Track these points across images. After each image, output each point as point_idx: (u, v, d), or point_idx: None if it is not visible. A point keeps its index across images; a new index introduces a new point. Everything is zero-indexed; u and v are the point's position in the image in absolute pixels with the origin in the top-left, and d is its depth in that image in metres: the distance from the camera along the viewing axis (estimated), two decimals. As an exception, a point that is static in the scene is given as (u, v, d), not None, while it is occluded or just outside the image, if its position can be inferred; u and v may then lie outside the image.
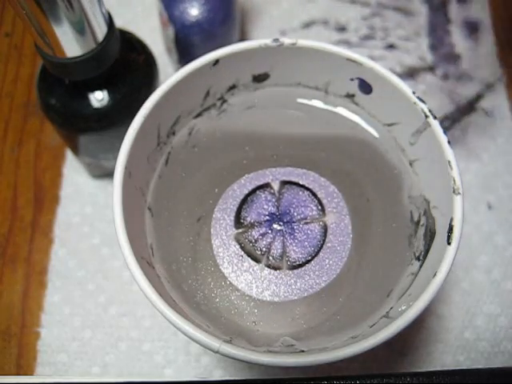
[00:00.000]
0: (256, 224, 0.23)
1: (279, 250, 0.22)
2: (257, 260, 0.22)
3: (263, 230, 0.23)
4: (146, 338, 0.28)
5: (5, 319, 0.29)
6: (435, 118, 0.21)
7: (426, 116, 0.21)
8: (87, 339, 0.28)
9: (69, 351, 0.28)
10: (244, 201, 0.24)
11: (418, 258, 0.21)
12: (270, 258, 0.22)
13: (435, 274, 0.18)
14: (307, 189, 0.24)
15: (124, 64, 0.26)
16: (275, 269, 0.22)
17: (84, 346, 0.28)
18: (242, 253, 0.22)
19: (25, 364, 0.28)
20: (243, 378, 0.27)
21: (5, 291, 0.30)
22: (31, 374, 0.28)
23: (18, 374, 0.28)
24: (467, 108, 0.35)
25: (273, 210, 0.23)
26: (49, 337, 0.28)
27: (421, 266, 0.21)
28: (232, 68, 0.23)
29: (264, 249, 0.22)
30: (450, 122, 0.34)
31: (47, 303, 0.29)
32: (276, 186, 0.24)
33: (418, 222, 0.22)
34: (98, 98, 0.26)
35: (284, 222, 0.23)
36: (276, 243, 0.23)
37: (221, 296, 0.22)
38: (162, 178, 0.23)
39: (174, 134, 0.23)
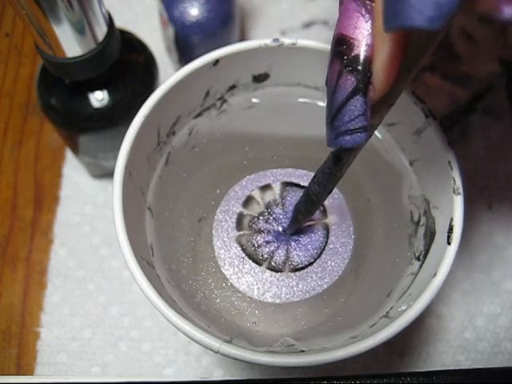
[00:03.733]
0: (262, 231, 0.23)
1: (282, 257, 0.22)
2: (258, 263, 0.22)
3: (269, 238, 0.23)
4: (145, 338, 0.28)
5: (5, 319, 0.29)
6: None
7: (426, 116, 0.21)
8: (87, 339, 0.28)
9: (69, 351, 0.28)
10: (246, 202, 0.24)
11: (418, 258, 0.21)
12: (273, 263, 0.22)
13: (435, 274, 0.18)
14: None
15: (124, 64, 0.26)
16: (277, 271, 0.22)
17: (84, 346, 0.28)
18: (244, 255, 0.22)
19: (25, 364, 0.28)
20: (244, 378, 0.27)
21: (5, 291, 0.30)
22: (31, 374, 0.28)
23: (18, 374, 0.28)
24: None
25: (279, 214, 0.23)
26: (49, 337, 0.28)
27: (421, 266, 0.21)
28: (232, 68, 0.23)
29: (266, 255, 0.22)
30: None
31: (47, 303, 0.29)
32: (277, 187, 0.24)
33: (418, 221, 0.22)
34: (98, 98, 0.26)
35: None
36: (280, 251, 0.22)
37: (221, 297, 0.22)
38: (162, 178, 0.23)
39: (174, 133, 0.23)
